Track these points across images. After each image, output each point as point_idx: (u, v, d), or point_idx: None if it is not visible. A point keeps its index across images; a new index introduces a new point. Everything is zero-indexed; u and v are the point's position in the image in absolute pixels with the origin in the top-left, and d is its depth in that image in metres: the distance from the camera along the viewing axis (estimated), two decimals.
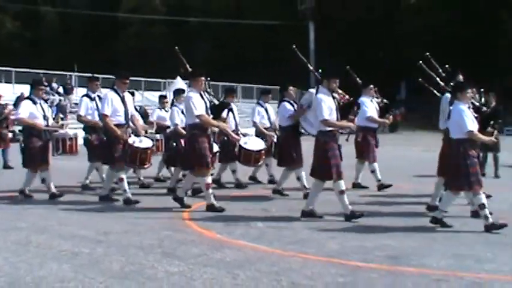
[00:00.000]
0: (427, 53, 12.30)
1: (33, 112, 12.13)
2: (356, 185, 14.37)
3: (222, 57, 66.10)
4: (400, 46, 59.92)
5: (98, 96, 13.44)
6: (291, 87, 13.29)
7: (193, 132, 11.18)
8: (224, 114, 12.37)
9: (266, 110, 14.75)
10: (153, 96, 50.76)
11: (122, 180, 11.78)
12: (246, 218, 10.55)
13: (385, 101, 13.54)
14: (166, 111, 15.26)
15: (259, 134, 14.36)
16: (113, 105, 11.61)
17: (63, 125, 13.02)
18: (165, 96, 16.43)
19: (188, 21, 72.56)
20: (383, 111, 14.14)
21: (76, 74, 48.78)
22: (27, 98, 12.56)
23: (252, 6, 70.66)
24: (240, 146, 13.57)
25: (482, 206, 9.58)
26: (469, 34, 54.70)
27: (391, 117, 14.59)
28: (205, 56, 69.37)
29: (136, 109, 13.72)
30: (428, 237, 9.32)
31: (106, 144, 11.86)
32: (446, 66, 11.83)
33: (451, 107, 11.39)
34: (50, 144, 12.29)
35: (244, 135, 14.33)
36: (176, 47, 12.89)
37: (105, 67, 51.46)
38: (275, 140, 13.91)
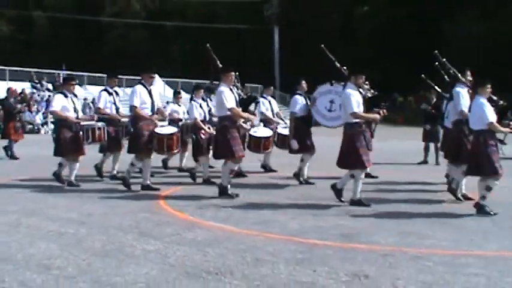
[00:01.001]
0: (436, 51, 12.19)
1: (66, 105, 12.02)
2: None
3: (196, 58, 66.02)
4: (357, 47, 60.28)
5: (115, 91, 13.38)
6: (303, 81, 13.05)
7: (224, 124, 10.96)
8: (251, 107, 12.28)
9: (270, 102, 14.67)
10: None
11: (133, 165, 11.71)
12: (216, 202, 10.54)
13: (372, 91, 12.57)
14: (179, 105, 15.14)
15: (265, 123, 14.31)
16: (141, 97, 11.45)
17: (92, 116, 12.82)
18: (179, 92, 16.24)
19: (166, 25, 72.45)
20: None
21: (64, 72, 48.85)
22: (60, 92, 12.44)
23: (224, 12, 70.84)
24: (249, 134, 13.45)
25: (489, 189, 9.61)
26: (416, 42, 55.19)
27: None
28: (182, 56, 69.52)
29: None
30: (377, 217, 9.39)
31: (133, 135, 11.62)
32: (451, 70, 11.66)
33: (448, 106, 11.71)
34: (80, 134, 12.04)
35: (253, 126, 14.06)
36: (208, 44, 12.95)
37: (91, 66, 51.50)
38: (279, 129, 13.93)
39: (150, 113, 11.61)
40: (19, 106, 20.28)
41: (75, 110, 12.16)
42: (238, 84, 12.25)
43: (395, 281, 5.93)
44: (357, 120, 10.21)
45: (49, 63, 51.54)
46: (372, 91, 10.59)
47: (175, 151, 12.75)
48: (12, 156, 18.73)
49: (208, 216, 9.24)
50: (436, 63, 12.09)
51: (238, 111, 11.05)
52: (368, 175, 13.83)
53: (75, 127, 11.96)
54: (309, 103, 12.63)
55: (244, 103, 11.59)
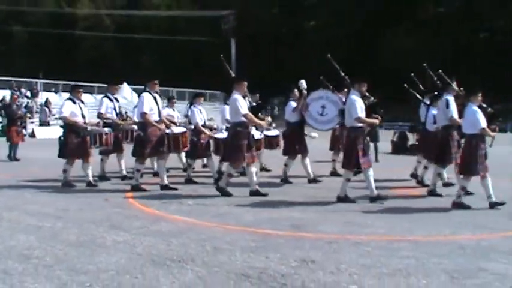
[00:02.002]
0: (424, 64, 12.22)
1: (74, 111, 11.78)
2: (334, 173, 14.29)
3: (161, 67, 65.99)
4: (305, 58, 60.75)
5: (115, 98, 13.16)
6: (295, 89, 12.86)
7: (238, 129, 10.63)
8: (261, 113, 12.06)
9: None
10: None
11: (138, 171, 11.40)
12: (179, 197, 10.52)
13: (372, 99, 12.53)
14: (173, 110, 14.87)
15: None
16: (149, 104, 11.20)
17: (98, 122, 12.58)
18: (173, 97, 16.03)
19: (135, 37, 72.20)
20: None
21: (41, 80, 48.48)
22: (69, 99, 12.11)
23: (185, 26, 70.76)
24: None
25: (463, 189, 9.76)
26: (357, 53, 55.94)
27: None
28: (148, 66, 69.28)
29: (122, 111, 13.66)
30: (323, 209, 9.51)
31: (140, 140, 11.28)
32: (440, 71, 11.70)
33: (433, 111, 11.99)
34: (88, 139, 11.82)
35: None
36: (221, 55, 12.65)
37: (66, 75, 50.97)
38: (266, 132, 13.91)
39: (157, 118, 11.36)
40: (20, 112, 20.19)
41: (83, 116, 11.90)
42: (247, 93, 11.86)
43: (338, 264, 6.01)
44: (361, 124, 10.17)
45: (26, 71, 50.89)
46: (372, 98, 10.60)
47: (187, 149, 12.53)
48: (15, 159, 18.43)
49: (172, 210, 9.22)
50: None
51: (252, 116, 10.75)
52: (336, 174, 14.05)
53: (82, 132, 11.73)
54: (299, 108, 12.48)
55: (254, 110, 11.29)
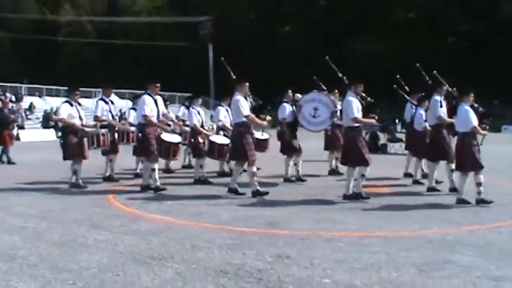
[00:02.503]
0: (417, 64, 12.28)
1: (71, 113, 11.56)
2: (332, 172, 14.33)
3: (140, 71, 65.81)
4: (279, 62, 61.03)
5: (111, 100, 12.86)
6: (290, 91, 12.86)
7: (240, 129, 10.53)
8: (263, 114, 11.89)
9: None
10: (86, 102, 49.97)
11: (153, 170, 11.12)
12: (158, 197, 10.47)
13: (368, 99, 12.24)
14: (168, 112, 14.29)
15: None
16: (150, 106, 11.04)
17: (96, 124, 12.36)
18: (167, 100, 15.53)
19: (115, 43, 71.87)
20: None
21: (25, 85, 48.18)
22: (66, 101, 11.87)
23: (164, 31, 70.62)
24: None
25: (479, 184, 9.71)
26: (327, 54, 56.14)
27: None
28: (128, 70, 69.05)
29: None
30: (296, 207, 9.52)
31: (142, 140, 11.13)
32: (435, 72, 11.83)
33: (421, 110, 12.14)
34: (85, 140, 11.58)
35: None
36: (222, 58, 12.37)
37: (48, 79, 50.61)
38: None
39: (156, 120, 11.20)
40: (12, 116, 19.95)
41: (80, 118, 11.70)
42: (249, 94, 11.62)
43: (312, 260, 6.02)
44: (357, 124, 10.18)
45: (10, 76, 50.46)
46: (369, 99, 10.57)
47: (176, 158, 12.25)
48: (10, 162, 18.09)
49: (151, 210, 9.17)
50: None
51: (254, 117, 10.66)
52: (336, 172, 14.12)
53: (80, 133, 11.54)
54: (294, 110, 12.38)
55: (256, 111, 11.23)
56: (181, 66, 67.80)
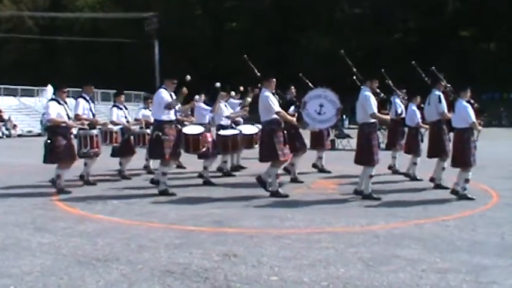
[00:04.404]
0: (413, 62, 12.21)
1: (60, 112, 10.80)
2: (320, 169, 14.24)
3: (84, 68, 65.04)
4: (229, 59, 61.07)
5: (91, 98, 12.15)
6: (292, 87, 12.70)
7: (272, 127, 10.15)
8: (291, 110, 11.49)
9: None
10: (28, 101, 49.18)
11: (165, 174, 10.71)
12: (104, 197, 10.36)
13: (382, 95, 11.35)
14: (150, 110, 13.76)
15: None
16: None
17: (106, 123, 11.86)
18: (149, 97, 14.80)
19: (57, 39, 70.69)
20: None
21: None
22: (53, 99, 11.06)
23: (107, 27, 69.74)
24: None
25: (467, 181, 9.90)
26: (276, 53, 56.64)
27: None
28: (72, 67, 68.04)
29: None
30: (244, 205, 9.54)
31: (158, 140, 10.46)
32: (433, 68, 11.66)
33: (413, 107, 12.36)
34: (74, 142, 11.11)
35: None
36: (245, 56, 11.77)
37: None
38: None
39: (173, 118, 10.71)
40: None
41: (69, 117, 11.04)
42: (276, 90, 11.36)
43: (260, 257, 6.06)
44: (374, 120, 10.05)
45: None
46: (382, 95, 10.49)
47: (203, 150, 11.72)
48: None
49: (97, 210, 9.07)
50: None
51: (285, 114, 10.36)
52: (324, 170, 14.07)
53: (69, 134, 10.97)
54: (298, 105, 11.90)
55: (283, 107, 10.71)
56: (127, 63, 67.15)
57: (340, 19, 64.50)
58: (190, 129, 11.77)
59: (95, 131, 11.69)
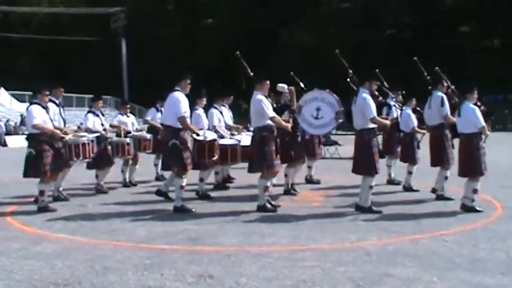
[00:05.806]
0: (415, 58, 12.20)
1: (44, 118, 10.35)
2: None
3: (43, 69, 64.55)
4: (205, 57, 61.24)
5: (60, 103, 11.61)
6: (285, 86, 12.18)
7: (263, 134, 10.00)
8: (285, 115, 11.14)
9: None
10: None
11: (182, 188, 10.27)
12: (64, 214, 10.21)
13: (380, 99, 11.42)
14: (127, 116, 14.15)
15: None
16: (185, 106, 10.13)
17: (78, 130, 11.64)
18: (126, 103, 15.14)
19: (12, 37, 69.99)
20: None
21: None
22: (35, 103, 10.49)
23: (70, 24, 69.41)
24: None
25: (476, 191, 9.88)
26: (256, 50, 56.77)
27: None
28: (29, 68, 67.44)
29: None
30: (221, 220, 9.51)
31: (175, 149, 10.09)
32: (437, 68, 11.78)
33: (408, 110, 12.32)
34: (63, 151, 10.81)
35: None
36: (237, 52, 11.37)
37: None
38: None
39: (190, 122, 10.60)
40: None
41: (52, 123, 10.65)
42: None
43: (238, 278, 6.05)
44: (373, 125, 9.91)
45: None
46: (381, 98, 10.40)
47: (215, 158, 11.61)
48: None
49: (56, 229, 8.97)
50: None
51: (280, 119, 10.24)
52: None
53: (56, 142, 10.51)
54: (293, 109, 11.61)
55: (277, 112, 10.48)
56: (91, 64, 66.82)
57: (329, 13, 64.85)
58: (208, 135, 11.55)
59: (85, 139, 11.57)
